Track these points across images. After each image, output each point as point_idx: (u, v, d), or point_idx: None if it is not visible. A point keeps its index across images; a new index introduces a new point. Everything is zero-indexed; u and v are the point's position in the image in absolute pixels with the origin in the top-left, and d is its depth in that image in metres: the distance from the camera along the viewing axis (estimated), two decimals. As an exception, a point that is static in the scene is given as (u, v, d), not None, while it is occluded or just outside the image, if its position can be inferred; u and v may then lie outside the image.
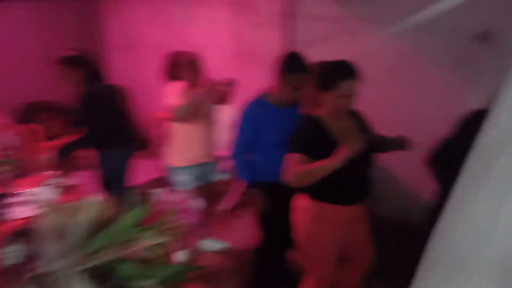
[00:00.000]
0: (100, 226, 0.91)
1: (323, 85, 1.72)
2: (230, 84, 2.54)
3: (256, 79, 3.53)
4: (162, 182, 3.91)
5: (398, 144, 1.85)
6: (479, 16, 2.41)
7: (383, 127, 2.01)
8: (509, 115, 0.51)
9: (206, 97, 2.45)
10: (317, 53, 3.10)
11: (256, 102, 2.11)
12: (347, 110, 1.77)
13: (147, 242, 0.79)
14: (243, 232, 3.10)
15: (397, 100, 2.88)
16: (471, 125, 1.48)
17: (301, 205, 1.87)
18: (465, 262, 0.58)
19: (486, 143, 0.55)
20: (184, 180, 2.55)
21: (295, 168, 1.72)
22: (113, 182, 2.82)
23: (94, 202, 0.88)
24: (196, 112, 2.46)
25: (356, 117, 1.90)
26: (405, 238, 2.91)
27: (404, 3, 2.66)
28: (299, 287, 2.01)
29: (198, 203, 1.18)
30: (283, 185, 2.09)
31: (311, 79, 1.83)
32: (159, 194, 1.22)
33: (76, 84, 2.59)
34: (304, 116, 1.85)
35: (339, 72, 1.67)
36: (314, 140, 1.73)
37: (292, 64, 1.98)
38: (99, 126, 2.63)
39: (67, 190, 2.67)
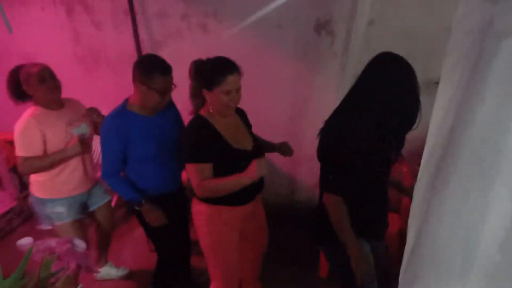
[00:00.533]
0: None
1: (206, 84, 1.64)
2: (96, 112, 2.26)
3: (109, 85, 3.26)
4: (20, 214, 3.35)
5: (282, 150, 1.93)
6: (318, 6, 2.65)
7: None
8: (491, 111, 0.46)
9: (64, 154, 2.04)
10: (168, 52, 3.06)
11: (118, 114, 1.86)
12: (233, 107, 1.71)
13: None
14: (136, 253, 2.94)
15: (252, 94, 3.02)
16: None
17: (197, 209, 1.84)
18: (452, 264, 0.55)
19: (469, 142, 0.50)
20: (59, 213, 2.15)
21: (201, 181, 1.65)
22: None
23: None
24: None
25: (241, 114, 1.90)
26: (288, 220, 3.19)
27: (250, -1, 2.76)
28: None
29: (80, 243, 1.00)
30: (169, 195, 2.02)
31: (191, 78, 1.74)
32: (27, 241, 1.00)
33: None
34: (191, 120, 1.73)
35: (220, 68, 1.61)
36: (207, 144, 1.66)
37: (152, 68, 1.76)
38: None
39: None
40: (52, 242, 1.04)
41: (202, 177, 1.65)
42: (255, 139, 1.88)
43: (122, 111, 1.87)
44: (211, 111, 1.70)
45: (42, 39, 3.27)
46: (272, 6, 2.70)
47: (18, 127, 1.97)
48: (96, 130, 2.25)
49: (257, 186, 1.84)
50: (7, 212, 3.29)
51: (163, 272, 2.22)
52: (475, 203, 0.50)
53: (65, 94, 2.16)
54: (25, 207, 3.46)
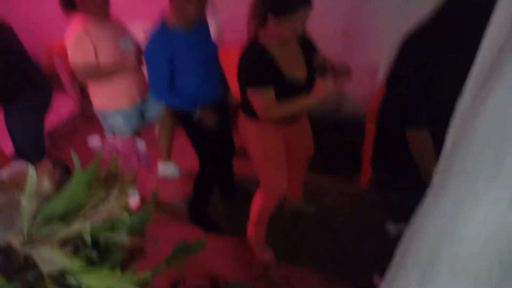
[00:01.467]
0: (46, 194, 0.85)
1: (274, 10, 1.55)
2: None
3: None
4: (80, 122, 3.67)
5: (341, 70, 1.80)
6: None
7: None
8: (497, 106, 0.47)
9: (118, 68, 2.13)
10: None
11: (160, 32, 1.88)
12: (294, 37, 1.66)
13: (112, 203, 0.75)
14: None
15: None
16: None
17: (245, 124, 1.94)
18: (436, 260, 0.57)
19: (471, 135, 0.51)
20: (120, 124, 2.25)
21: (266, 107, 1.68)
22: (29, 143, 2.39)
23: (32, 172, 0.80)
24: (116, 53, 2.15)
25: (303, 39, 1.81)
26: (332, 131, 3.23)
27: None
28: (254, 197, 2.15)
29: (140, 145, 1.12)
30: (213, 103, 2.11)
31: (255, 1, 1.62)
32: (96, 142, 1.13)
33: None
34: (249, 46, 1.71)
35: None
36: (264, 71, 1.66)
37: None
38: None
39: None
40: (118, 142, 1.17)
41: (265, 101, 1.67)
42: (313, 69, 1.82)
43: (164, 29, 1.88)
44: (274, 41, 1.65)
45: None
46: None
47: (70, 36, 2.04)
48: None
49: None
50: (71, 116, 3.60)
51: (205, 178, 2.38)
52: (466, 203, 0.52)
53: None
54: (87, 109, 3.74)
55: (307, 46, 1.83)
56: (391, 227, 2.37)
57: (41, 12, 3.82)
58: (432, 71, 1.37)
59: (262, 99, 1.68)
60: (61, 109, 3.58)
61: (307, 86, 1.76)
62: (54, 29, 3.84)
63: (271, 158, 1.97)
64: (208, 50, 2.07)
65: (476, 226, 0.51)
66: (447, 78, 1.35)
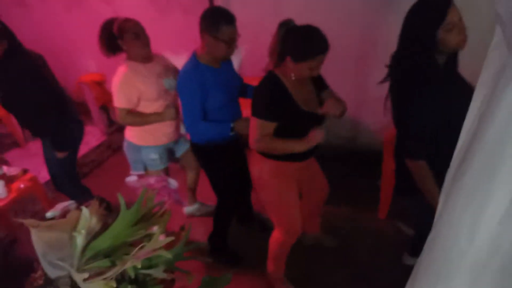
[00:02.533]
0: (94, 231, 0.94)
1: (293, 55, 1.65)
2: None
3: (181, 27, 3.40)
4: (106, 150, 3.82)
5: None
6: None
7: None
8: (509, 116, 0.51)
9: (161, 118, 2.25)
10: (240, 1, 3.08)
11: (194, 68, 1.99)
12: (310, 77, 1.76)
13: (155, 244, 0.83)
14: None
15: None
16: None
17: (257, 161, 1.97)
18: (449, 264, 0.62)
19: (484, 144, 0.55)
20: (153, 159, 2.40)
21: (258, 138, 1.76)
22: (63, 174, 2.53)
23: (85, 211, 0.89)
24: (158, 94, 2.24)
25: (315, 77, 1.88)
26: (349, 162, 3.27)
27: None
28: (271, 235, 2.17)
29: (173, 182, 1.21)
30: (233, 139, 2.19)
31: (275, 41, 1.72)
32: (132, 180, 1.23)
33: None
34: (265, 77, 1.80)
35: (314, 47, 1.61)
36: (276, 103, 1.73)
37: (218, 19, 1.85)
38: (33, 107, 2.25)
39: (12, 180, 2.49)
40: (152, 180, 1.26)
41: (261, 133, 1.75)
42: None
43: (196, 65, 1.99)
44: (290, 77, 1.73)
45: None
46: None
47: (116, 81, 2.15)
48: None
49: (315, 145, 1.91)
50: (99, 146, 3.77)
51: (225, 211, 2.45)
52: (476, 207, 0.57)
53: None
54: (113, 140, 3.92)
55: (319, 83, 1.92)
56: (408, 261, 2.38)
57: (75, 47, 4.09)
58: (414, 106, 1.52)
59: (260, 129, 1.74)
60: (89, 139, 3.76)
61: (322, 116, 1.84)
62: (85, 65, 4.12)
63: (285, 198, 1.98)
64: (235, 85, 2.18)
65: (482, 230, 0.56)
66: (432, 113, 1.49)
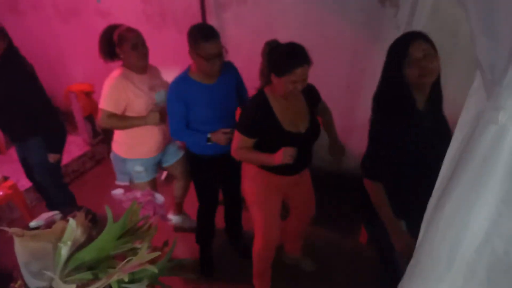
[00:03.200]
0: (79, 243, 0.94)
1: (274, 70, 1.73)
2: None
3: (175, 44, 3.43)
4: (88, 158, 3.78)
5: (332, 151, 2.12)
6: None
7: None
8: (486, 154, 0.55)
9: (144, 122, 2.21)
10: (231, 14, 3.16)
11: (179, 81, 2.05)
12: (295, 93, 1.81)
13: (141, 258, 0.83)
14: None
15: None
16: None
17: (248, 172, 2.05)
18: (442, 262, 0.64)
19: (464, 178, 0.59)
20: (138, 172, 2.37)
21: (237, 148, 1.88)
22: (51, 179, 2.56)
23: (72, 222, 0.89)
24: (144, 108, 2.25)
25: (308, 91, 1.93)
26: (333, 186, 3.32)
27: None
28: (253, 244, 2.21)
29: (159, 197, 1.21)
30: (223, 155, 2.21)
31: (263, 57, 1.84)
32: (118, 194, 1.23)
33: None
34: (253, 96, 1.90)
35: (291, 60, 1.68)
36: (259, 122, 1.82)
37: (196, 36, 1.91)
38: (18, 111, 2.29)
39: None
40: (138, 194, 1.26)
41: (240, 145, 1.87)
42: (316, 122, 1.96)
43: (184, 78, 2.05)
44: (277, 95, 1.83)
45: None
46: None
47: (108, 84, 2.15)
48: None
49: (302, 163, 1.98)
50: (81, 156, 3.72)
51: (201, 216, 2.52)
52: (454, 237, 0.62)
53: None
54: (96, 151, 3.87)
55: (312, 97, 1.99)
56: None
57: (66, 56, 4.08)
58: (376, 127, 1.65)
59: (240, 142, 1.87)
60: (72, 149, 3.71)
61: (309, 136, 1.91)
62: (75, 74, 4.10)
63: (265, 205, 2.06)
64: (226, 103, 2.17)
65: (472, 230, 0.59)
66: (393, 139, 1.58)
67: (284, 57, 1.70)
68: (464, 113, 0.62)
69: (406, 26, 2.66)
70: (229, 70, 2.17)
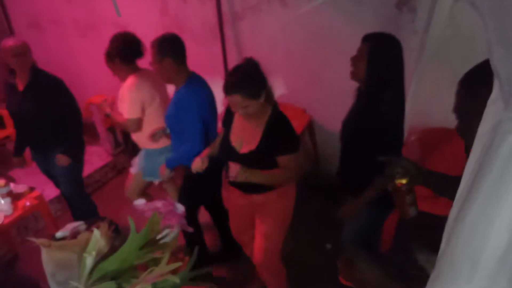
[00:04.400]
0: (103, 253, 0.97)
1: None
2: None
3: (192, 56, 3.49)
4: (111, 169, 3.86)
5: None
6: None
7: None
8: (505, 164, 0.54)
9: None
10: (247, 25, 3.20)
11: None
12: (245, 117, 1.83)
13: (163, 268, 0.85)
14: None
15: (322, 68, 3.06)
16: None
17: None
18: (464, 274, 0.62)
19: (484, 189, 0.58)
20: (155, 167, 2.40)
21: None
22: (69, 189, 2.66)
23: (96, 233, 0.92)
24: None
25: (275, 121, 1.85)
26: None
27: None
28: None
29: (179, 207, 1.24)
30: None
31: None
32: (140, 204, 1.26)
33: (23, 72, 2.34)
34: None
35: (224, 86, 1.72)
36: (224, 122, 2.04)
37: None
38: (49, 124, 2.42)
39: (18, 197, 2.51)
40: (159, 204, 1.29)
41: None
42: (266, 147, 1.83)
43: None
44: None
45: (133, 9, 3.56)
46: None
47: (125, 91, 2.27)
48: None
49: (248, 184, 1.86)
50: (104, 166, 3.80)
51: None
52: (475, 248, 0.61)
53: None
54: (118, 162, 3.95)
55: (275, 129, 1.84)
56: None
57: (84, 69, 4.20)
58: None
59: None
60: (94, 159, 3.80)
61: (249, 158, 1.83)
62: (93, 87, 4.21)
63: (233, 219, 2.25)
64: (166, 114, 2.31)
65: (497, 233, 0.57)
66: None
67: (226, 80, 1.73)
68: (482, 124, 0.62)
69: (424, 31, 2.63)
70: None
